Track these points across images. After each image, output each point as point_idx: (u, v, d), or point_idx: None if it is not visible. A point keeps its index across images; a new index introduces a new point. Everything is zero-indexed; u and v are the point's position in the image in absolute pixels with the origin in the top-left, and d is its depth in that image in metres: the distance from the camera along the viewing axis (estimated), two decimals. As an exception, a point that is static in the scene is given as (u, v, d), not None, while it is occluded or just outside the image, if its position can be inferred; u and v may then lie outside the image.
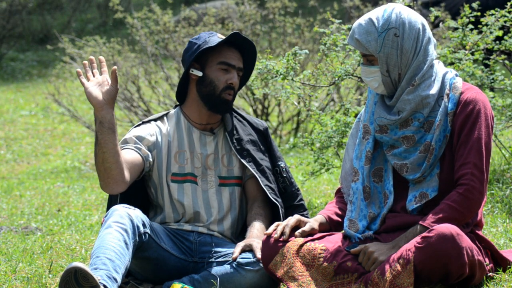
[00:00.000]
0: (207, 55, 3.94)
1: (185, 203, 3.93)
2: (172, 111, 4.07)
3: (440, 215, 3.39)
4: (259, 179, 3.95)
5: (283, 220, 3.89)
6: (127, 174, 3.73)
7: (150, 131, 3.96)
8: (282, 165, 4.07)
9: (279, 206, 3.94)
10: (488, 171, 3.46)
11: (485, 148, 3.44)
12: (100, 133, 3.64)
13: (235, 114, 4.10)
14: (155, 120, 4.03)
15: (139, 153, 3.87)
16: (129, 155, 3.82)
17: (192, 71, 3.96)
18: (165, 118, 4.05)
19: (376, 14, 3.50)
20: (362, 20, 3.50)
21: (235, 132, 4.02)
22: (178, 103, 4.10)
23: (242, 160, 3.97)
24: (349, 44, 3.57)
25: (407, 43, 3.45)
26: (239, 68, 3.96)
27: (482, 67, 5.27)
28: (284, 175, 4.06)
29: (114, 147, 3.66)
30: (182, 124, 4.02)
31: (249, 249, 3.73)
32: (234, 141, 4.00)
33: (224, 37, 3.94)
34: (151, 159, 3.92)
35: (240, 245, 3.74)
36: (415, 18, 3.49)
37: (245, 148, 4.00)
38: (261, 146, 4.07)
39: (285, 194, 4.04)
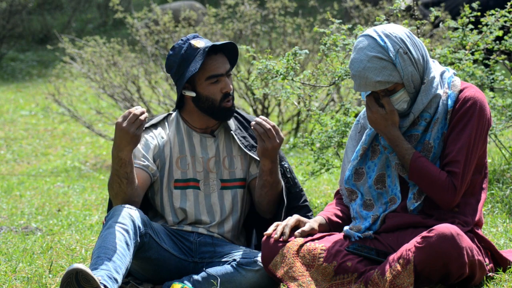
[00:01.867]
0: (193, 75, 3.86)
1: (187, 210, 3.91)
2: (173, 114, 4.04)
3: (428, 168, 3.43)
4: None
5: (283, 218, 3.88)
6: (139, 200, 3.79)
7: (153, 140, 3.93)
8: (285, 165, 4.03)
9: (285, 201, 3.90)
10: (471, 172, 3.47)
11: (474, 148, 3.44)
12: (122, 167, 3.67)
13: (236, 114, 4.07)
14: (155, 125, 3.99)
15: (146, 171, 3.87)
16: (138, 176, 3.83)
17: (185, 93, 3.90)
18: (165, 122, 4.01)
19: (371, 49, 3.42)
20: (364, 63, 3.41)
21: (239, 131, 4.00)
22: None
23: (254, 156, 3.93)
24: (365, 90, 3.46)
25: (414, 52, 3.45)
26: (227, 72, 3.90)
27: (482, 67, 5.27)
28: (288, 175, 4.02)
29: (132, 177, 3.71)
30: (182, 128, 3.98)
31: None
32: (241, 138, 3.98)
33: (199, 46, 3.83)
34: (157, 175, 3.92)
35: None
36: (399, 27, 3.49)
37: (253, 144, 3.98)
38: None
39: (289, 195, 4.00)
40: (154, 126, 3.99)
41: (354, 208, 3.63)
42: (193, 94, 3.88)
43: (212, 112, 3.90)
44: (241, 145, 3.95)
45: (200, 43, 3.87)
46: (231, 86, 3.90)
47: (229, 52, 3.94)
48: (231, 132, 3.97)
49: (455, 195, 3.44)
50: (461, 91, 3.51)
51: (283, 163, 4.02)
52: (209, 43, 3.86)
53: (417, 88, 3.49)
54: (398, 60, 3.42)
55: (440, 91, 3.50)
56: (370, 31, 3.46)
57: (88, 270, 3.28)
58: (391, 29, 3.46)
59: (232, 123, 4.00)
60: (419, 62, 3.46)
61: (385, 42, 3.42)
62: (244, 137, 3.99)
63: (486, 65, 6.01)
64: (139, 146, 3.89)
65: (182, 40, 3.90)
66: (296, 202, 4.00)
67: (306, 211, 4.00)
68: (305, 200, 4.02)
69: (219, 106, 3.88)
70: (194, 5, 15.71)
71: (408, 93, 3.47)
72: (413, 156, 3.46)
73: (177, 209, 3.91)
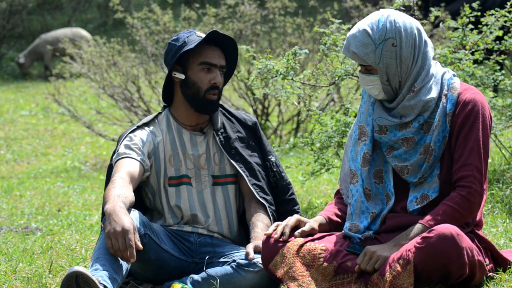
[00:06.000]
0: (188, 57, 3.89)
1: (182, 207, 3.91)
2: (162, 113, 4.04)
3: (442, 217, 3.38)
4: (246, 178, 3.93)
5: (272, 218, 3.89)
6: (132, 196, 3.70)
7: (148, 137, 3.93)
8: (272, 159, 4.05)
9: (267, 205, 3.92)
10: (487, 172, 3.46)
11: (483, 149, 3.43)
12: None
13: (223, 111, 4.08)
14: (147, 124, 3.99)
15: (142, 165, 3.86)
16: (132, 167, 3.80)
17: (174, 74, 3.92)
18: (156, 121, 4.01)
19: (371, 24, 3.42)
20: (356, 31, 3.43)
21: (222, 130, 4.00)
22: (166, 105, 4.07)
23: (230, 159, 3.95)
24: (345, 55, 3.50)
25: (406, 51, 3.42)
26: (221, 66, 3.92)
27: (482, 67, 5.27)
28: (275, 169, 4.04)
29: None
30: (172, 126, 3.99)
31: (259, 250, 3.70)
32: (222, 139, 3.98)
33: (203, 36, 3.89)
34: (149, 171, 3.91)
35: (251, 246, 3.72)
36: (410, 23, 3.44)
37: (233, 146, 3.98)
38: (251, 142, 4.04)
39: (276, 189, 4.03)
40: (147, 124, 3.99)
41: (355, 198, 3.59)
42: (182, 77, 3.90)
43: (195, 102, 3.91)
44: (220, 144, 3.96)
45: (204, 34, 3.91)
46: (221, 81, 3.92)
47: (228, 52, 3.95)
48: (213, 131, 3.98)
49: (477, 198, 3.40)
50: (460, 93, 3.49)
51: (269, 157, 4.05)
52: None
53: (394, 85, 3.46)
54: (381, 47, 3.40)
55: (434, 95, 3.47)
56: (386, 9, 3.47)
57: (88, 273, 3.27)
58: (400, 19, 3.43)
59: (218, 120, 4.01)
60: (405, 62, 3.43)
61: (383, 25, 3.41)
62: (227, 138, 3.99)
63: (487, 65, 6.00)
64: (136, 140, 3.89)
65: (188, 31, 3.95)
66: (283, 196, 4.05)
67: (293, 204, 4.04)
68: (292, 193, 4.06)
69: (204, 96, 3.90)
70: (80, 32, 15.40)
71: (381, 83, 3.46)
72: (422, 226, 3.39)
73: (174, 207, 3.92)
